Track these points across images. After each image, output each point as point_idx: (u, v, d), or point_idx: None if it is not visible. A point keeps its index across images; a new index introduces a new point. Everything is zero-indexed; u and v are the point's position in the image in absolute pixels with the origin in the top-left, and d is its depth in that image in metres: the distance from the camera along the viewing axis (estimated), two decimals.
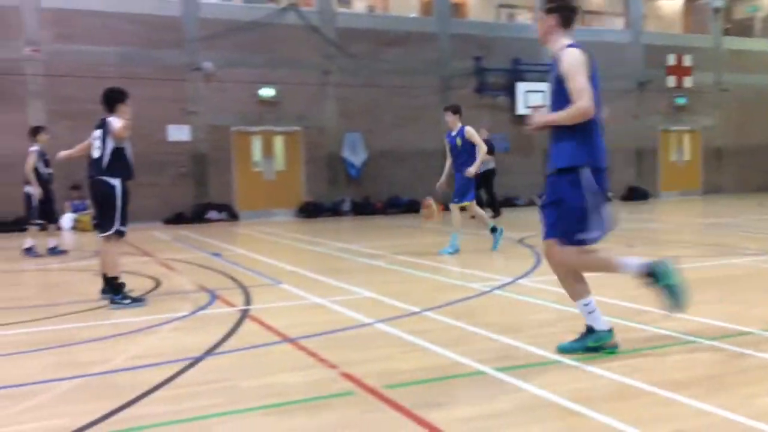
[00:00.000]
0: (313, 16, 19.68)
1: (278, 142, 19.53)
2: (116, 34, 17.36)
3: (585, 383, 3.90)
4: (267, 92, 18.96)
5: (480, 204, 16.81)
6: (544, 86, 21.75)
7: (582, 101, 4.17)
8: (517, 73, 21.90)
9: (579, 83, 4.19)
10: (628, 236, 11.60)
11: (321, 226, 16.44)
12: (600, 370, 4.08)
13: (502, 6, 24.48)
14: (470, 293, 6.77)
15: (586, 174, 4.29)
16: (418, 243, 11.81)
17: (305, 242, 12.48)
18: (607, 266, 4.45)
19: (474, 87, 21.49)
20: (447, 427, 3.30)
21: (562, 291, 4.64)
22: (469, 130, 9.78)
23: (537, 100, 21.86)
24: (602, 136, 4.41)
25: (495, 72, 21.67)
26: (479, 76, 21.54)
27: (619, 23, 25.17)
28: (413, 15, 22.68)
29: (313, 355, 4.62)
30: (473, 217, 10.45)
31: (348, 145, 19.69)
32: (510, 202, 21.73)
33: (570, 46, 4.34)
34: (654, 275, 4.27)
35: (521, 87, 21.80)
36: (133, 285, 7.25)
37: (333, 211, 19.35)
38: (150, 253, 11.06)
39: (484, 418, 3.42)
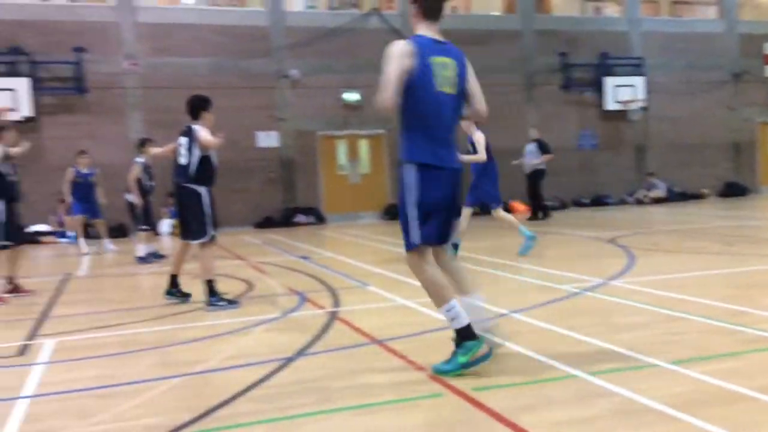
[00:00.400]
0: (396, 19, 19.79)
1: (363, 146, 19.76)
2: (207, 46, 18.01)
3: (683, 387, 3.76)
4: (351, 96, 19.21)
5: (537, 206, 16.44)
6: (634, 80, 21.23)
7: (379, 93, 4.01)
8: (605, 67, 21.31)
9: (384, 75, 4.02)
10: (727, 235, 11.09)
11: None
12: (699, 374, 3.93)
13: (587, 0, 23.88)
14: (559, 295, 6.64)
15: (409, 170, 4.12)
16: (503, 243, 11.66)
17: (391, 244, 12.56)
18: (431, 292, 4.21)
19: (560, 83, 21.07)
20: (538, 431, 3.25)
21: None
22: (478, 137, 9.41)
23: (627, 94, 21.23)
24: (444, 133, 4.18)
25: (581, 67, 21.17)
26: (565, 72, 21.10)
27: (712, 13, 24.09)
28: (496, 13, 22.46)
29: (401, 356, 4.65)
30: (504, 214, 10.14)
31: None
32: (600, 201, 21.17)
33: (412, 37, 4.14)
34: (462, 344, 4.10)
35: (610, 82, 21.20)
36: (227, 288, 7.50)
37: None
38: (242, 256, 11.41)
39: (577, 422, 3.35)
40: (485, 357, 4.15)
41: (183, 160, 6.85)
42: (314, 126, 19.06)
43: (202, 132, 6.78)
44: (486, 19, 21.26)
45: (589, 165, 21.50)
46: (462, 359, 4.10)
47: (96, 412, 3.83)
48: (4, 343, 5.65)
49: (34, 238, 15.50)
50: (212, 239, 6.98)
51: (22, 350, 5.40)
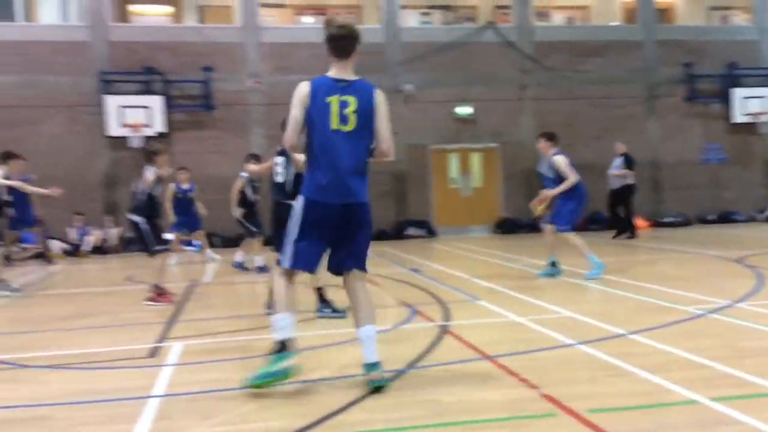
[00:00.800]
0: (511, 32, 19.67)
1: (475, 159, 19.70)
2: (326, 64, 18.39)
3: None
4: (464, 110, 19.23)
5: (622, 223, 15.57)
6: (765, 91, 20.00)
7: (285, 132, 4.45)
8: (733, 78, 20.23)
9: (290, 116, 4.40)
10: None
11: (519, 242, 16.28)
12: None
13: (714, 8, 22.79)
14: (681, 316, 6.36)
15: (299, 200, 4.45)
16: (620, 261, 11.29)
17: (502, 258, 12.45)
18: (276, 299, 4.55)
19: (683, 95, 20.18)
20: None
21: None
22: (556, 160, 9.25)
23: (756, 106, 20.04)
24: (338, 171, 4.35)
25: (707, 78, 20.19)
26: (689, 83, 20.19)
27: None
28: (615, 23, 21.84)
29: (512, 373, 4.61)
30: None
31: (544, 159, 19.30)
32: (727, 218, 20.04)
33: (313, 79, 4.45)
34: (277, 354, 4.31)
35: (738, 93, 20.10)
36: (341, 299, 7.68)
37: (531, 227, 19.06)
38: None
39: None
40: (284, 372, 4.32)
41: (280, 179, 7.07)
42: (426, 140, 19.20)
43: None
44: (605, 30, 20.73)
45: (715, 180, 20.42)
46: (271, 368, 4.31)
47: (218, 413, 4.05)
48: (138, 345, 6.06)
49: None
50: None
51: (153, 352, 5.77)
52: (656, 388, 4.18)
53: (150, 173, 8.30)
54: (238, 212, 11.62)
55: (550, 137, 9.45)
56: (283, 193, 7.05)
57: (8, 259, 14.56)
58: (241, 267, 11.77)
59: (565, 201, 9.27)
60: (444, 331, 6.10)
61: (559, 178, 9.31)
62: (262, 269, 11.43)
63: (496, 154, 19.59)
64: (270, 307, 7.40)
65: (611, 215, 16.61)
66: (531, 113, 19.56)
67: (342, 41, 4.49)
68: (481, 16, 21.41)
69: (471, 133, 19.39)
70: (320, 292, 7.11)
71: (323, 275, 7.05)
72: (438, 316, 6.81)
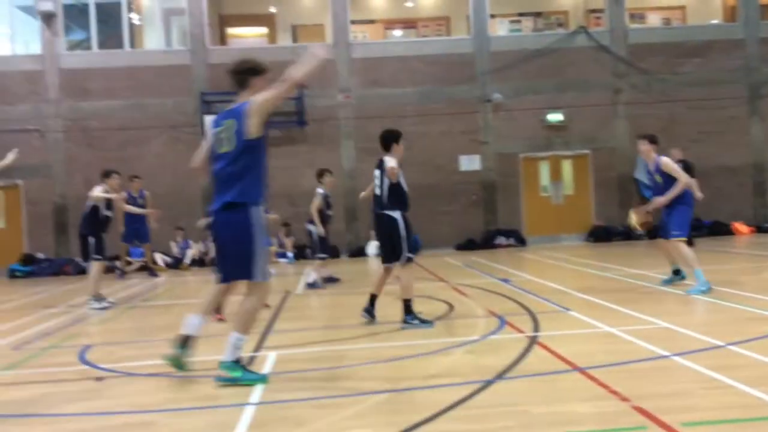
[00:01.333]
0: (604, 36, 19.24)
1: (566, 166, 19.35)
2: (414, 76, 18.75)
3: None
4: (555, 117, 18.93)
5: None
6: None
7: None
8: None
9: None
10: None
11: (612, 250, 15.85)
12: None
13: None
14: None
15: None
16: (721, 269, 10.81)
17: (595, 268, 12.16)
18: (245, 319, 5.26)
19: None
20: None
21: None
22: (665, 162, 8.70)
23: None
24: (216, 186, 5.21)
25: None
26: None
27: None
28: (715, 21, 20.97)
29: (603, 385, 4.54)
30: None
31: (641, 165, 18.71)
32: None
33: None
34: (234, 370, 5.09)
35: None
36: (429, 308, 7.76)
37: (626, 235, 18.49)
38: (444, 278, 11.68)
39: None
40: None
41: (377, 191, 7.37)
42: (516, 148, 19.02)
43: (389, 162, 7.15)
44: (704, 29, 19.93)
45: None
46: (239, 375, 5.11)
47: (312, 421, 4.19)
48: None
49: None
50: (410, 260, 7.27)
51: (250, 361, 6.01)
52: (755, 401, 4.03)
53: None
54: (321, 230, 11.33)
55: (653, 139, 8.91)
56: (381, 205, 7.32)
57: (121, 273, 15.49)
58: (314, 286, 11.39)
59: (678, 206, 8.71)
60: (534, 341, 6.06)
61: (661, 184, 8.81)
62: (312, 285, 11.24)
63: (587, 160, 19.16)
64: (367, 311, 7.52)
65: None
66: (625, 118, 19.03)
67: (237, 77, 5.26)
68: (572, 21, 21.04)
69: (562, 140, 19.06)
70: (407, 303, 7.20)
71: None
72: (527, 327, 6.76)
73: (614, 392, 4.37)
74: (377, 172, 7.41)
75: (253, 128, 5.07)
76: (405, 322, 7.16)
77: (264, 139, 5.18)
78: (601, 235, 18.57)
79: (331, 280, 11.97)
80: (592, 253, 15.50)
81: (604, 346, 5.86)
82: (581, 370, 4.98)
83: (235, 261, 5.11)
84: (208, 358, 5.65)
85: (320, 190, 11.40)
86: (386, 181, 7.26)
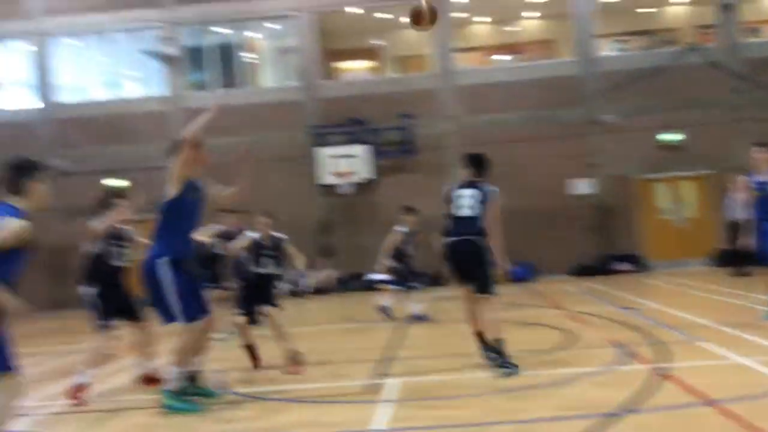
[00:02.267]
0: (717, 52, 18.49)
1: (686, 187, 18.59)
2: (521, 100, 18.67)
3: None
4: (670, 137, 18.29)
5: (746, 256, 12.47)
6: None
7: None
8: None
9: None
10: None
11: (743, 275, 14.99)
12: None
13: None
14: None
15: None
16: None
17: (725, 294, 11.59)
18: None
19: None
20: None
21: None
22: None
23: None
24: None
25: None
26: None
27: None
28: None
29: (738, 420, 4.37)
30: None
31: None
32: None
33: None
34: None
35: None
36: (547, 337, 7.68)
37: (759, 258, 17.38)
38: (560, 305, 11.47)
39: None
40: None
41: (466, 212, 6.96)
42: (629, 170, 18.47)
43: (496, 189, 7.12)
44: None
45: None
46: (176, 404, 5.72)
47: None
48: (349, 382, 6.50)
49: (373, 286, 17.29)
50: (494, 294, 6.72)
51: (371, 388, 6.17)
52: None
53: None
54: (387, 263, 11.10)
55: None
56: (471, 230, 6.87)
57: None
58: (386, 312, 11.23)
59: None
60: (661, 373, 5.88)
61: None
62: (420, 318, 10.94)
63: (710, 181, 18.33)
64: (487, 350, 6.75)
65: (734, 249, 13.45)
66: (748, 136, 18.08)
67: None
68: (682, 38, 20.35)
69: (679, 160, 18.35)
70: (500, 343, 6.53)
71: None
72: (654, 358, 6.56)
73: (752, 427, 4.19)
74: (468, 192, 7.00)
75: (171, 190, 6.04)
76: (502, 365, 6.35)
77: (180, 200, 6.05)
78: (729, 259, 17.47)
79: (420, 317, 11.12)
80: (721, 278, 14.69)
81: (738, 378, 5.61)
82: (714, 404, 4.80)
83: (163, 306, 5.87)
84: (326, 384, 5.81)
85: (400, 228, 11.14)
86: (483, 207, 6.82)
